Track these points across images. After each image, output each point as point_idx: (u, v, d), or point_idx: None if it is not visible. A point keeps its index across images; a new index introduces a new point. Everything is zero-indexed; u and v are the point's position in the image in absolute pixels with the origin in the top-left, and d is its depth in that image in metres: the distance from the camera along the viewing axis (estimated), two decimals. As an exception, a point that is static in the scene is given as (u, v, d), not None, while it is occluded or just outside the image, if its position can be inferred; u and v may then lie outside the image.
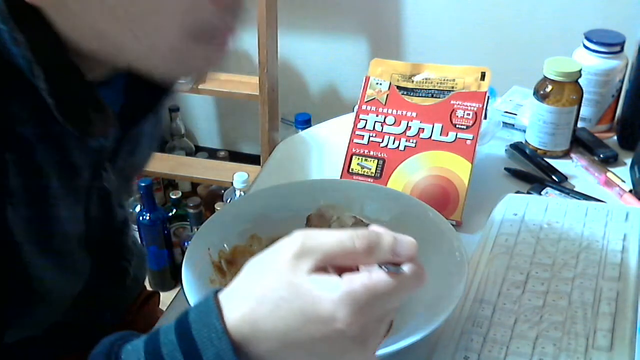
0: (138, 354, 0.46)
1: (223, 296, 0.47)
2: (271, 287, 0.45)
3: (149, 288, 0.95)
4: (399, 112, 0.90)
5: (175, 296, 0.76)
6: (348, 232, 0.46)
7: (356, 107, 0.92)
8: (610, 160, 0.97)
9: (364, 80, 0.93)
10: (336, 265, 0.46)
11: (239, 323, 0.45)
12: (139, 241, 1.92)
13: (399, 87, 0.92)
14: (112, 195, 0.66)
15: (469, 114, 0.88)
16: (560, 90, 0.95)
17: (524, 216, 0.82)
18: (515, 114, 1.05)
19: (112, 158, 0.63)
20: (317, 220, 0.75)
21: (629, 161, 0.96)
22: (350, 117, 0.93)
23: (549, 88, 0.96)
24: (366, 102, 0.92)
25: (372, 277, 0.44)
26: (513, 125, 1.05)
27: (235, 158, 2.25)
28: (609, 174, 0.93)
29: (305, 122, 1.98)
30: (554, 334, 0.65)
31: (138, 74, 0.54)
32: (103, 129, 0.56)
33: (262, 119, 1.87)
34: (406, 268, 0.46)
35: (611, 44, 0.99)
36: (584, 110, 1.01)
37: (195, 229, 1.86)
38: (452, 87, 0.90)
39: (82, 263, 0.65)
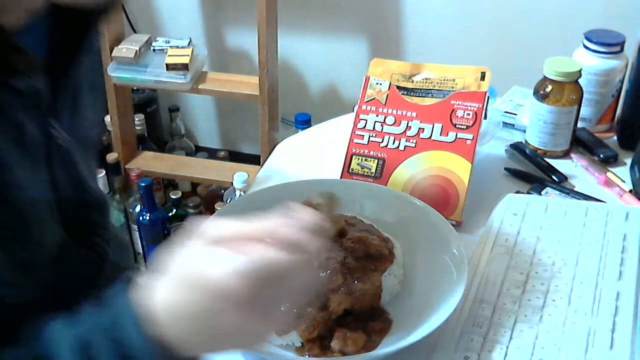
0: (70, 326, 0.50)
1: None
2: (177, 268, 0.48)
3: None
4: (399, 112, 0.90)
5: (175, 296, 0.76)
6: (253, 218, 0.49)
7: (356, 107, 0.92)
8: (610, 160, 0.97)
9: (364, 80, 0.93)
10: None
11: (154, 308, 0.48)
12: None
13: (399, 87, 0.92)
14: (73, 158, 0.67)
15: (469, 114, 0.88)
16: (560, 90, 0.95)
17: (524, 216, 0.82)
18: (515, 114, 1.05)
19: (55, 113, 0.63)
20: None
21: (629, 161, 0.96)
22: (350, 117, 0.93)
23: (549, 88, 0.96)
24: (366, 102, 0.92)
25: (268, 250, 0.46)
26: (513, 125, 1.05)
27: (235, 158, 2.25)
28: (609, 174, 0.93)
29: (305, 122, 1.97)
30: (554, 334, 0.66)
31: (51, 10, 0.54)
32: (27, 67, 0.57)
33: (262, 119, 1.87)
34: (307, 243, 0.48)
35: (611, 44, 0.99)
36: (584, 110, 1.01)
37: (195, 229, 1.86)
38: (452, 87, 0.90)
39: (52, 234, 0.65)
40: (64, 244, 0.67)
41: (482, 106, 0.88)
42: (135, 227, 1.90)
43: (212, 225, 0.48)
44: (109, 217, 0.82)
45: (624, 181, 0.92)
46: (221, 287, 0.45)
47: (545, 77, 0.96)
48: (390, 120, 0.90)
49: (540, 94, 0.96)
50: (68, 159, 0.66)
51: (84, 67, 0.68)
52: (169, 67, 1.80)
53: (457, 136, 0.87)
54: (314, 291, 0.50)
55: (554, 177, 0.94)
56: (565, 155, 0.99)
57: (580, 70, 0.95)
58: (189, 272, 0.47)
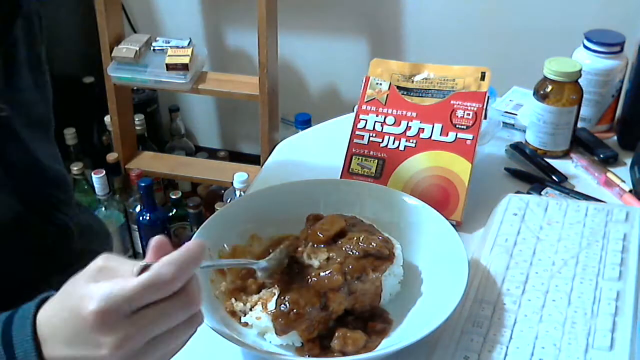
0: None
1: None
2: (63, 289, 0.51)
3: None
4: (399, 112, 0.90)
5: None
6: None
7: (356, 107, 0.92)
8: (610, 160, 0.97)
9: (364, 80, 0.93)
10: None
11: (39, 325, 0.51)
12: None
13: (399, 87, 0.92)
14: (15, 128, 0.67)
15: (469, 114, 0.88)
16: (560, 90, 0.95)
17: (524, 216, 0.82)
18: (515, 114, 1.05)
19: None
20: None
21: (629, 161, 0.96)
22: (350, 117, 0.93)
23: (549, 88, 0.96)
24: (366, 102, 0.92)
25: (130, 279, 0.48)
26: (513, 125, 1.05)
27: (235, 158, 2.25)
28: (609, 174, 0.93)
29: (305, 122, 1.97)
30: (554, 334, 0.66)
31: None
32: None
33: (262, 119, 1.87)
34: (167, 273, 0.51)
35: (611, 44, 0.99)
36: (584, 110, 1.01)
37: (195, 229, 1.86)
38: (452, 87, 0.90)
39: (3, 205, 0.67)
40: (22, 218, 0.68)
41: (482, 106, 0.88)
42: (135, 227, 1.90)
43: (103, 258, 0.51)
44: (71, 195, 0.83)
45: (624, 181, 0.92)
46: (84, 309, 0.47)
47: (545, 77, 0.96)
48: (390, 120, 0.90)
49: (540, 94, 0.96)
50: (9, 127, 0.67)
51: (18, 40, 0.68)
52: (169, 67, 1.80)
53: (457, 136, 0.87)
54: (184, 329, 0.51)
55: (554, 177, 0.94)
56: (565, 155, 0.99)
57: (580, 70, 0.95)
58: (68, 292, 0.50)
